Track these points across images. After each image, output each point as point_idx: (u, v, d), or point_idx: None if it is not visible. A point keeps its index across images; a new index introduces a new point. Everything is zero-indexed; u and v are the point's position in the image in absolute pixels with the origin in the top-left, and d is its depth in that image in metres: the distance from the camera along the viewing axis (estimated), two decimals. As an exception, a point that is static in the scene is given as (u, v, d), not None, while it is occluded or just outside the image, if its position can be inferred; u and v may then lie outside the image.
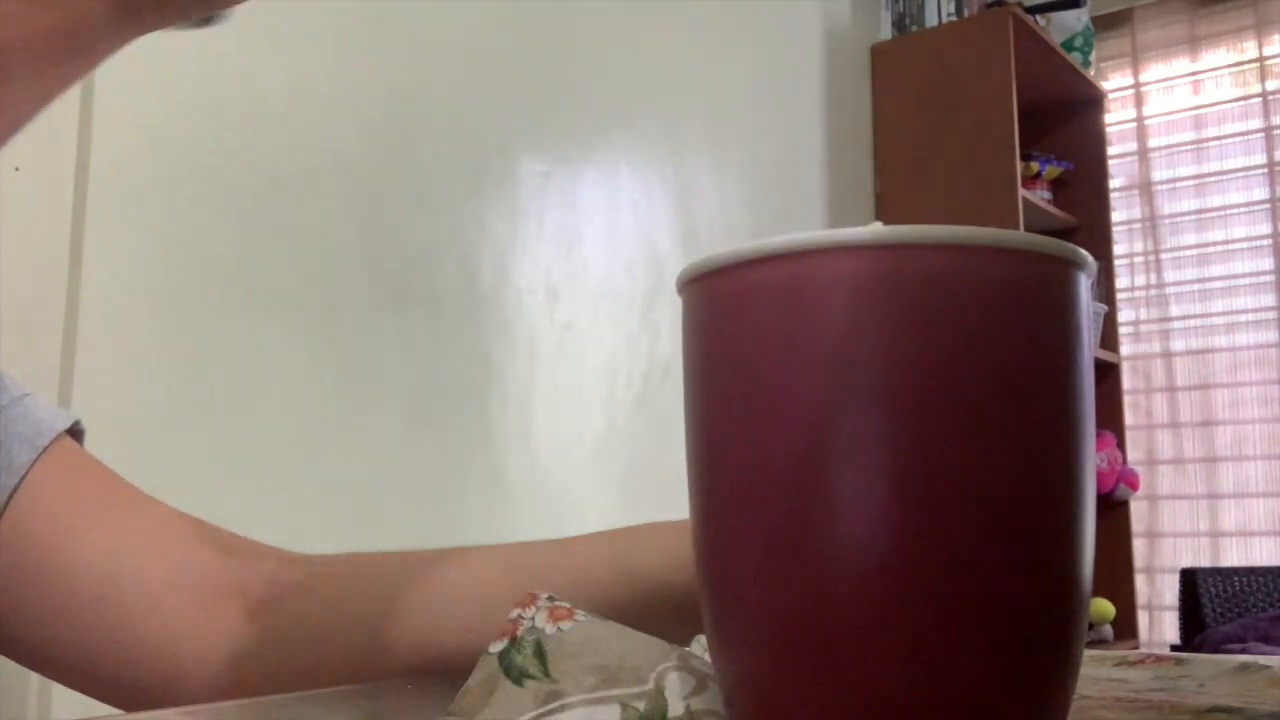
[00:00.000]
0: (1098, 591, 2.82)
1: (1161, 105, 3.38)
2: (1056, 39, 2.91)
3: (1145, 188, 3.35)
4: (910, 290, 0.26)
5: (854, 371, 0.26)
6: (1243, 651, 1.94)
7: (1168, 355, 3.27)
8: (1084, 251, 0.28)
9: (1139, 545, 3.07)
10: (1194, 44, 3.34)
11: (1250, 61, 3.26)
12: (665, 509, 0.45)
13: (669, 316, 1.95)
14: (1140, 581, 3.05)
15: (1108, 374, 2.97)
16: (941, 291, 0.26)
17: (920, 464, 0.26)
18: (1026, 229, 2.46)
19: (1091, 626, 2.77)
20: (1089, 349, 0.29)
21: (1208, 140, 3.29)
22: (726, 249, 0.28)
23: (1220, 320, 3.21)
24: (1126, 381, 3.12)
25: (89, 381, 1.16)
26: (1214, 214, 3.25)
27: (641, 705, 0.34)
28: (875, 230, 0.26)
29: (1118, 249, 3.16)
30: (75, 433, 0.56)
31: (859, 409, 0.26)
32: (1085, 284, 0.28)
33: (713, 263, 0.28)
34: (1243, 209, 3.21)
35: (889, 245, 0.26)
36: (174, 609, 0.52)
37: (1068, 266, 0.28)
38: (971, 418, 0.26)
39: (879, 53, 2.72)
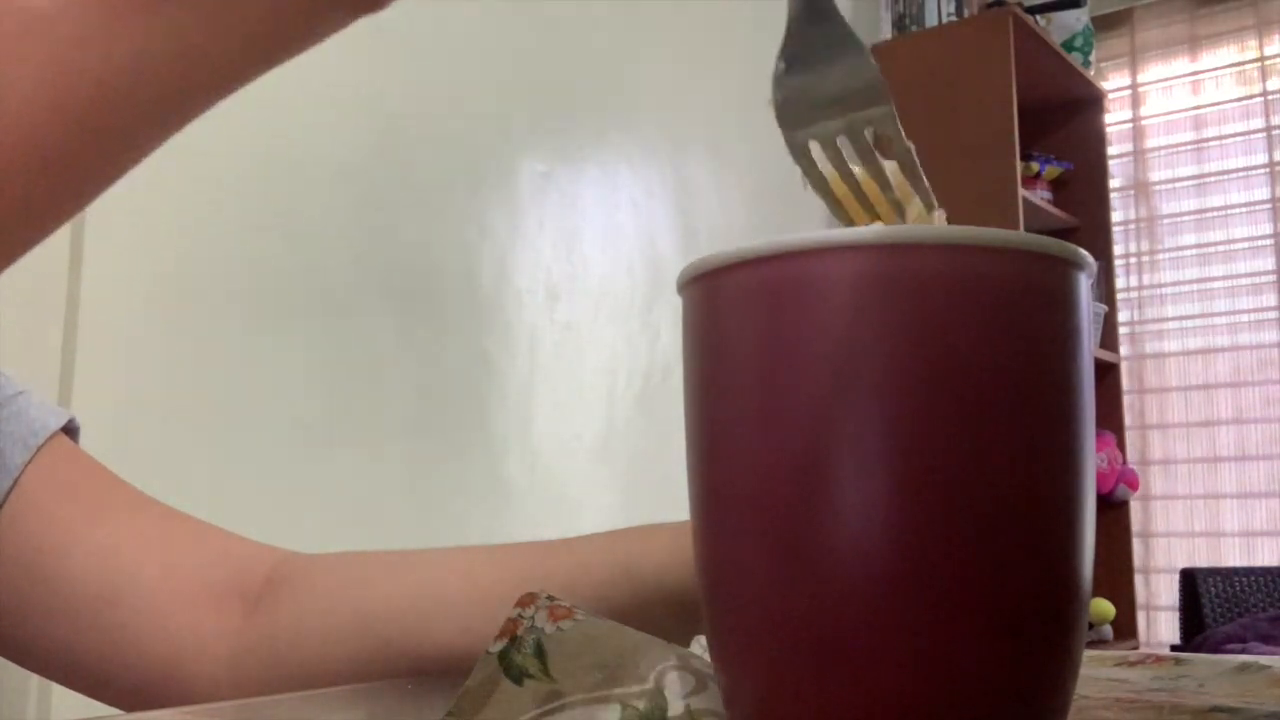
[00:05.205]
0: (1098, 591, 2.82)
1: (1162, 105, 3.38)
2: (1056, 39, 2.91)
3: (1143, 187, 3.35)
4: (911, 290, 0.26)
5: (854, 371, 0.26)
6: (1243, 651, 1.93)
7: (1168, 355, 3.27)
8: (1084, 252, 0.28)
9: (1138, 545, 3.07)
10: (1194, 44, 3.34)
11: (1251, 61, 3.26)
12: (665, 509, 0.45)
13: (669, 316, 1.95)
14: (1140, 582, 3.05)
15: (1108, 374, 2.97)
16: (941, 291, 0.26)
17: (920, 464, 0.26)
18: (1026, 229, 2.46)
19: (1091, 626, 2.77)
20: (1089, 349, 0.28)
21: (1208, 140, 3.29)
22: (726, 249, 0.28)
23: (1222, 320, 3.21)
24: (1126, 381, 3.12)
25: (89, 381, 1.16)
26: (1215, 214, 3.25)
27: (641, 705, 0.34)
28: (875, 230, 0.26)
29: (1117, 249, 3.16)
30: (70, 430, 0.56)
31: (859, 409, 0.26)
32: (1086, 284, 0.28)
33: (713, 263, 0.28)
34: (1243, 209, 3.21)
35: (889, 245, 0.26)
36: (172, 609, 0.52)
37: (1068, 266, 0.28)
38: (971, 418, 0.26)
39: (879, 53, 2.71)
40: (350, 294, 1.48)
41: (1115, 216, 3.16)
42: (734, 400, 0.28)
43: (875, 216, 0.33)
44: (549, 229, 1.79)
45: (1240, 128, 3.25)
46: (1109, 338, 3.03)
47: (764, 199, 2.29)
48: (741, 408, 0.28)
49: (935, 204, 0.33)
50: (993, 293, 0.26)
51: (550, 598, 0.38)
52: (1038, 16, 2.88)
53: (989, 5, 2.70)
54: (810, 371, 0.26)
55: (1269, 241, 3.17)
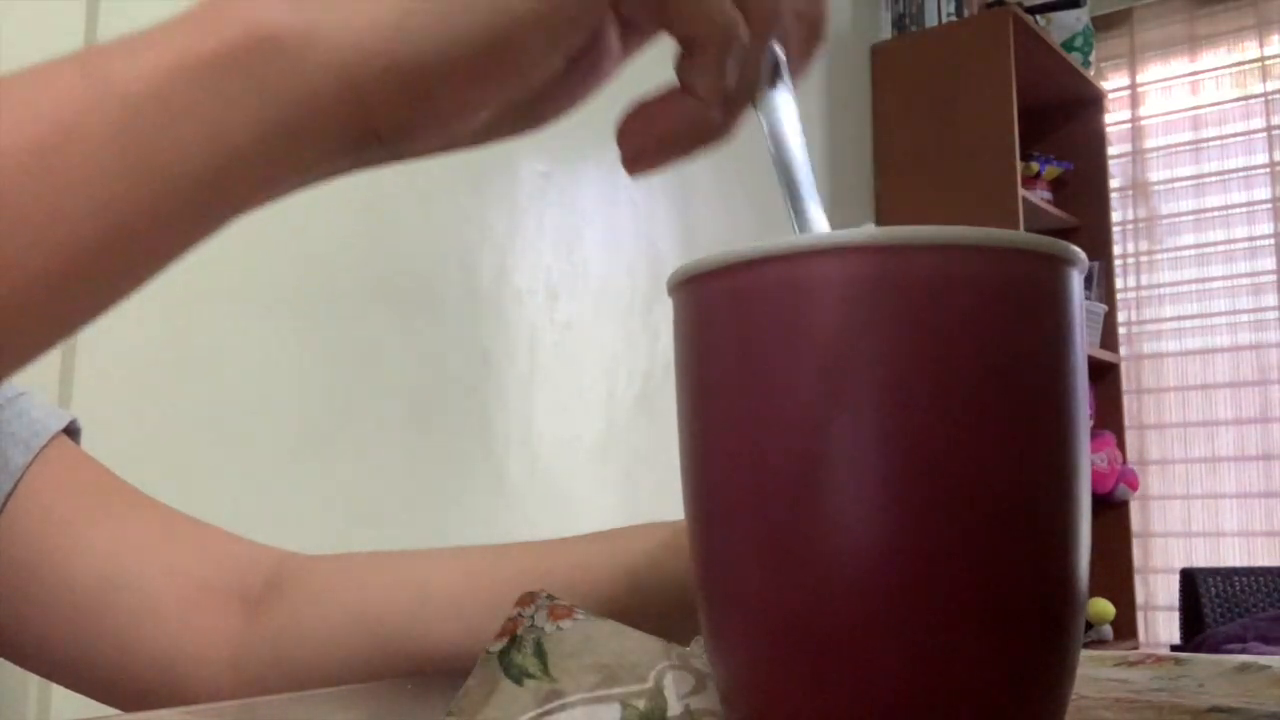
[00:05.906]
0: (1098, 591, 2.81)
1: (1161, 105, 3.38)
2: (1056, 39, 2.91)
3: (1143, 187, 3.35)
4: (902, 291, 0.26)
5: (848, 372, 0.26)
6: (1243, 651, 1.93)
7: (1166, 355, 3.27)
8: (1074, 247, 0.28)
9: (1138, 545, 3.07)
10: (1193, 44, 3.34)
11: (1251, 61, 3.26)
12: (665, 509, 0.45)
13: (669, 317, 1.95)
14: (1139, 582, 3.04)
15: (1108, 374, 2.97)
16: (933, 291, 0.26)
17: (915, 464, 0.26)
18: (1026, 229, 2.46)
19: (1091, 626, 2.76)
20: (1082, 345, 0.29)
21: (1207, 140, 3.29)
22: (718, 251, 0.28)
23: (1221, 321, 3.21)
24: (1126, 382, 3.12)
25: (89, 381, 1.16)
26: (1214, 214, 3.24)
27: (641, 705, 0.34)
28: (867, 231, 0.26)
29: (1117, 249, 3.16)
30: (71, 431, 0.56)
31: (853, 410, 0.26)
32: (1078, 280, 0.28)
33: (702, 266, 0.28)
34: (1243, 209, 3.21)
35: (881, 247, 0.26)
36: (173, 610, 0.52)
37: (1059, 263, 0.28)
38: (963, 417, 0.26)
39: (879, 53, 2.72)
40: (351, 293, 1.48)
41: (1115, 216, 3.16)
42: (726, 403, 0.28)
43: None
44: (549, 229, 1.79)
45: (1240, 128, 3.25)
46: (1109, 338, 3.03)
47: (764, 199, 2.29)
48: (733, 411, 0.28)
49: None
50: (984, 291, 0.26)
51: (550, 597, 0.38)
52: (1038, 16, 2.88)
53: (989, 5, 2.70)
54: (804, 373, 0.26)
55: (1269, 241, 3.16)
